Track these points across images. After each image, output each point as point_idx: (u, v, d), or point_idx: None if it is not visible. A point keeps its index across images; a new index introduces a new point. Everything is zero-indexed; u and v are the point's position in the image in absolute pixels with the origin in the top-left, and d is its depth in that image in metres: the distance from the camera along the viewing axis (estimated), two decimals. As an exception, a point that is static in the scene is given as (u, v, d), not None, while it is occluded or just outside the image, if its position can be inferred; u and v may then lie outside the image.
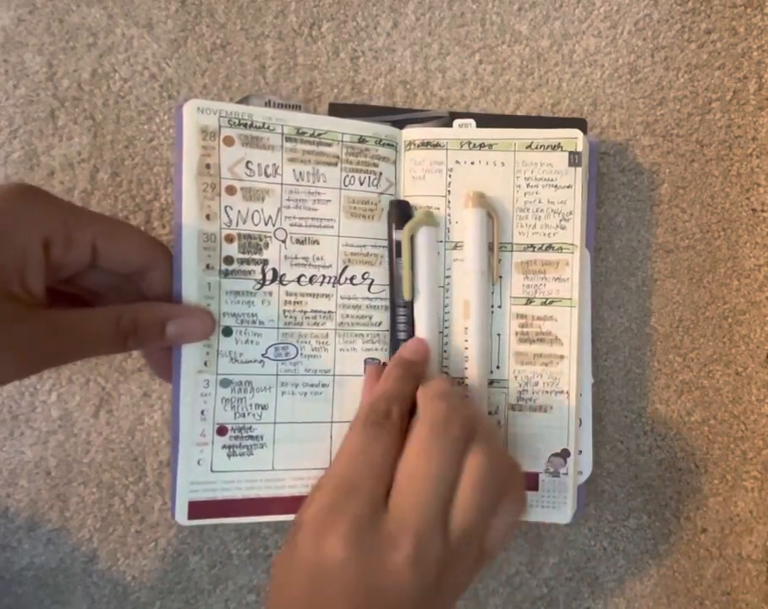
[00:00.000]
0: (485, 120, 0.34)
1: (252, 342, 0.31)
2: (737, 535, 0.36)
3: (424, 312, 0.32)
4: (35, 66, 0.34)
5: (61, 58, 0.35)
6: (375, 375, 0.31)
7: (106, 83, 0.35)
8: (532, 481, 0.32)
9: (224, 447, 0.31)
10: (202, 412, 0.30)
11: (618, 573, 0.36)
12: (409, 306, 0.32)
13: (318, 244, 0.32)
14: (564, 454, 0.33)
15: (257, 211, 0.31)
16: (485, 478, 0.24)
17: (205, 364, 0.30)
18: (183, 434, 0.30)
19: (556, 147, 0.33)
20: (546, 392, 0.33)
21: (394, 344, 0.32)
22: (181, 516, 0.30)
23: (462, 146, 0.33)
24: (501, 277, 0.33)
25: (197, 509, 0.30)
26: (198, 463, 0.30)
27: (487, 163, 0.33)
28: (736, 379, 0.36)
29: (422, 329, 0.32)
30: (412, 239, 0.32)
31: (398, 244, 0.32)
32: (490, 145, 0.33)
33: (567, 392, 0.33)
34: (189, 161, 0.30)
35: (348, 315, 0.32)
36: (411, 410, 0.27)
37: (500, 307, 0.33)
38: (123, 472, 0.35)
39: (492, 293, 0.33)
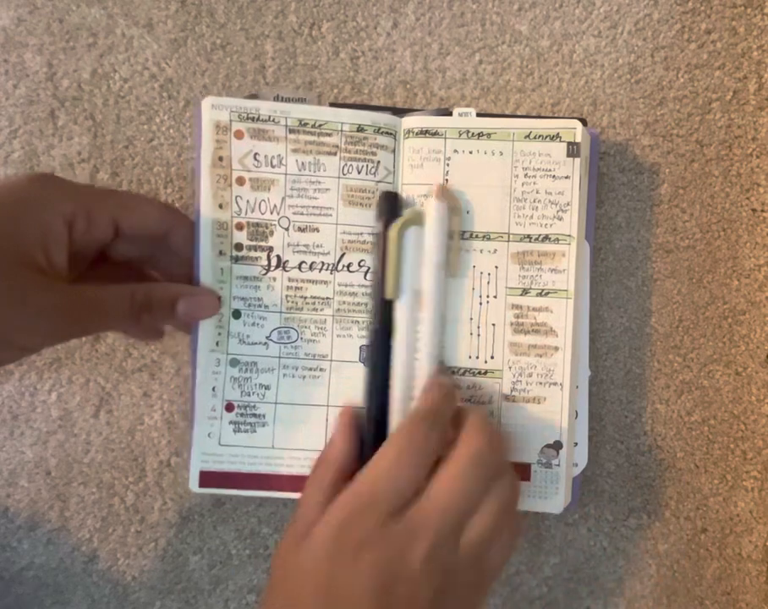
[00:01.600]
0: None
1: (258, 324, 0.33)
2: (737, 535, 0.36)
3: (406, 312, 0.32)
4: (35, 66, 0.34)
5: (61, 58, 0.35)
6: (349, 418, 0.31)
7: (106, 83, 0.35)
8: (524, 472, 0.32)
9: (231, 422, 0.33)
10: (213, 388, 0.33)
11: (618, 573, 0.36)
12: (389, 304, 0.32)
13: (318, 231, 0.33)
14: (557, 446, 0.32)
15: (264, 200, 0.33)
16: (504, 511, 0.27)
17: (217, 343, 0.33)
18: (197, 408, 0.32)
19: (554, 137, 0.32)
20: (540, 383, 0.33)
21: (370, 333, 0.32)
22: (193, 484, 0.32)
23: (460, 135, 0.33)
24: (459, 268, 0.33)
25: (207, 479, 0.33)
26: (209, 435, 0.33)
27: (485, 152, 0.33)
28: (736, 379, 0.36)
29: (402, 328, 0.32)
30: (399, 238, 0.32)
31: (384, 237, 0.32)
32: (489, 135, 0.33)
33: (561, 384, 0.33)
34: (205, 155, 0.32)
35: (344, 302, 0.33)
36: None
37: (495, 297, 0.33)
38: (123, 472, 0.35)
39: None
